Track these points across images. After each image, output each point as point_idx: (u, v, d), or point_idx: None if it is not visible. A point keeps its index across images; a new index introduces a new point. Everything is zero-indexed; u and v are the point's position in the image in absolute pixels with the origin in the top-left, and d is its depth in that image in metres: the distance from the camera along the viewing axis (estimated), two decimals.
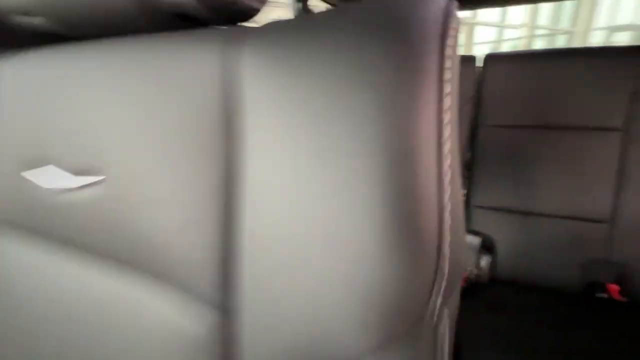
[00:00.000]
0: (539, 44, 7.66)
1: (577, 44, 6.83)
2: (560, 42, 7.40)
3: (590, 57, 0.85)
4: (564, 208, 0.86)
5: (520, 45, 7.32)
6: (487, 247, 0.88)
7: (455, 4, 0.21)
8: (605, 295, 0.81)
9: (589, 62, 0.84)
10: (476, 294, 0.84)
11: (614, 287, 0.81)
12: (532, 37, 7.32)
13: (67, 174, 0.28)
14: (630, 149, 0.82)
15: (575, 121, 0.85)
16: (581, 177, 0.85)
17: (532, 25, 7.34)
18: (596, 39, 6.78)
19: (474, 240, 0.89)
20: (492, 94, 0.92)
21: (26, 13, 0.28)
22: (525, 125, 0.89)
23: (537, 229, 0.88)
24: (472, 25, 7.35)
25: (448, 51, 0.20)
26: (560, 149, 0.87)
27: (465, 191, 0.97)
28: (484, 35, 7.69)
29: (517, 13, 7.02)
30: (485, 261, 0.88)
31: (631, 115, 0.81)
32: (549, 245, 0.87)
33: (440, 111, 0.20)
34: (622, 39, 6.66)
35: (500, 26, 7.74)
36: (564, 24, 7.38)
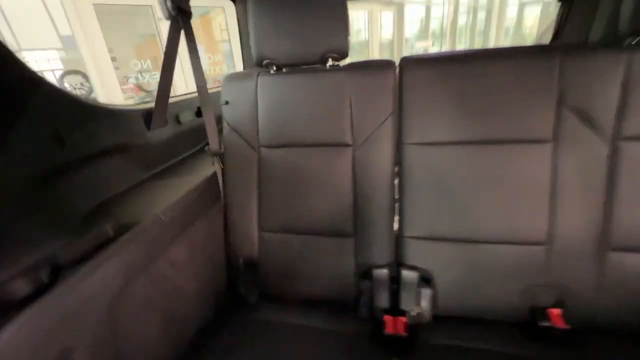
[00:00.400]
0: (463, 19, 8.14)
1: (494, 18, 7.43)
2: (481, 17, 7.98)
3: (515, 58, 0.75)
4: (500, 232, 0.78)
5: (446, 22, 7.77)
6: (425, 281, 0.83)
7: None
8: (547, 324, 0.75)
9: (514, 63, 0.74)
10: (418, 339, 0.79)
11: (555, 312, 0.76)
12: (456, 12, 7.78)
13: None
14: (559, 162, 0.73)
15: (503, 134, 0.75)
16: (515, 196, 0.76)
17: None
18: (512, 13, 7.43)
19: (411, 276, 0.83)
20: (412, 106, 0.79)
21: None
22: (451, 141, 0.78)
23: (475, 257, 0.80)
24: (402, 5, 7.55)
25: None
26: (490, 166, 0.76)
27: (396, 220, 0.86)
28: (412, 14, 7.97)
29: None
30: (425, 298, 0.82)
31: (558, 123, 0.73)
32: (489, 274, 0.80)
33: None
34: (534, 10, 7.39)
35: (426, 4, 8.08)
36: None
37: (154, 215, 0.69)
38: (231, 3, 1.31)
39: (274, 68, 0.87)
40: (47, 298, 0.47)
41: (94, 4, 3.79)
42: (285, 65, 0.86)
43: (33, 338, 0.44)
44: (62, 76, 4.08)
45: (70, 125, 0.68)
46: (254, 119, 0.88)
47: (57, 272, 0.54)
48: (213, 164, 0.93)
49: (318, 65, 0.84)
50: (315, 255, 0.88)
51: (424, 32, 8.52)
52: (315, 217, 0.86)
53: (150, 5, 4.27)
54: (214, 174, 0.91)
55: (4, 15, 4.09)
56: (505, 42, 7.29)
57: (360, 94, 0.82)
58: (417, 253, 0.83)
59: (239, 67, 1.44)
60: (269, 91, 0.87)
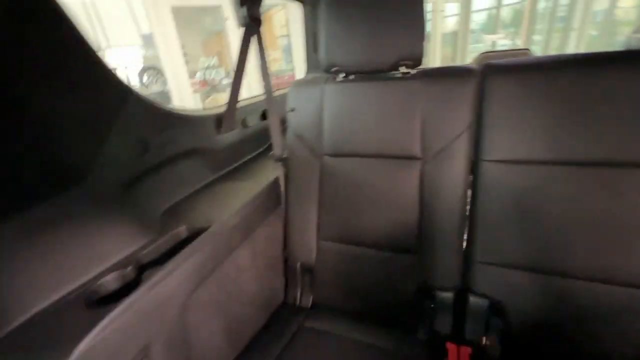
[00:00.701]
0: (541, 4, 7.14)
1: (580, 1, 6.41)
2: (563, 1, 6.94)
3: (627, 63, 0.63)
4: (594, 269, 0.67)
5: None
6: (495, 311, 0.75)
7: None
8: None
9: (627, 70, 0.63)
10: None
11: None
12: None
13: None
14: None
15: (610, 155, 0.64)
16: (622, 232, 0.64)
17: None
18: None
19: (479, 303, 0.76)
20: (494, 118, 0.71)
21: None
22: (542, 160, 0.68)
23: (558, 293, 0.70)
24: None
25: None
26: (590, 192, 0.66)
27: (464, 242, 0.79)
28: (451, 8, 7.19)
29: None
30: (495, 330, 0.74)
31: None
32: (574, 313, 0.69)
33: None
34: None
35: None
36: None
37: (222, 219, 0.72)
38: (293, 2, 1.31)
39: (342, 75, 0.84)
40: (133, 296, 0.51)
41: (172, 6, 4.13)
42: (354, 72, 0.83)
43: (118, 335, 0.48)
44: (142, 71, 4.54)
45: (153, 131, 0.73)
46: (319, 126, 0.87)
47: (141, 271, 0.59)
48: (276, 169, 0.94)
49: (389, 73, 0.79)
50: (373, 269, 0.85)
51: (492, 23, 7.71)
52: (377, 230, 0.84)
53: (220, 6, 4.53)
54: (276, 179, 0.93)
55: (97, 15, 4.64)
56: (593, 30, 6.26)
57: (434, 104, 0.76)
58: (487, 279, 0.76)
59: (297, 62, 1.45)
60: (335, 99, 0.85)
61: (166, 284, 0.57)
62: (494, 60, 0.75)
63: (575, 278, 0.69)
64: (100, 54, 0.53)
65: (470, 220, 0.77)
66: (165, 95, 4.52)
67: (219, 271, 0.71)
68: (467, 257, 0.78)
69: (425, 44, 0.73)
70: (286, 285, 0.98)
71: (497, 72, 0.72)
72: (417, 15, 0.72)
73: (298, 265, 0.92)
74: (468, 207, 0.78)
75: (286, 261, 0.96)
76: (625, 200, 0.64)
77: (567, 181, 0.67)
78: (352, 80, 0.84)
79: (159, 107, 0.74)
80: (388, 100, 0.80)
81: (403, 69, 0.78)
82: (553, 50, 7.04)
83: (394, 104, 0.79)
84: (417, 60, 0.75)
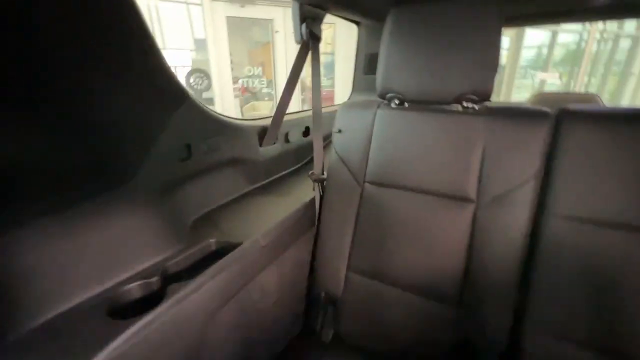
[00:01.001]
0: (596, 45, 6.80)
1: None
2: (623, 45, 6.59)
3: None
4: None
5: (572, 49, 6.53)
6: None
7: None
8: None
9: None
10: None
11: None
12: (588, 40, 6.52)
13: None
14: None
15: None
16: None
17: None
18: None
19: None
20: (569, 169, 0.64)
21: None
22: (620, 223, 0.60)
23: None
24: (522, 30, 6.76)
25: None
26: None
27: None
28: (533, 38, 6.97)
29: None
30: None
31: None
32: None
33: None
34: None
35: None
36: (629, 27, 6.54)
37: (253, 237, 0.69)
38: (342, 20, 1.30)
39: (397, 101, 0.80)
40: (157, 311, 0.48)
41: (226, 16, 4.36)
42: (412, 101, 0.78)
43: (137, 350, 0.45)
44: (190, 73, 4.78)
45: (199, 137, 0.72)
46: (365, 151, 0.83)
47: (166, 282, 0.56)
48: (314, 189, 0.91)
49: (449, 105, 0.74)
50: (405, 314, 0.78)
51: (541, 60, 7.41)
52: (413, 272, 0.76)
53: (272, 19, 4.73)
54: (312, 200, 0.89)
55: (158, 18, 4.98)
56: None
57: (498, 145, 0.69)
58: (537, 347, 0.66)
59: (338, 80, 1.43)
60: (387, 125, 0.81)
61: (190, 301, 0.54)
62: (570, 105, 0.68)
63: None
64: None
65: (525, 277, 0.68)
66: (207, 97, 4.72)
67: (244, 291, 0.67)
68: (518, 318, 0.69)
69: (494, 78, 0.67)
70: (306, 313, 0.92)
71: (574, 118, 0.65)
72: (493, 45, 0.65)
73: (323, 294, 0.87)
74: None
75: (310, 287, 0.91)
76: None
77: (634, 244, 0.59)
78: (407, 109, 0.79)
79: (209, 113, 0.73)
80: (445, 134, 0.74)
81: (466, 103, 0.72)
82: (607, 94, 6.66)
83: (452, 139, 0.73)
84: (485, 96, 0.69)
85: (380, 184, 0.81)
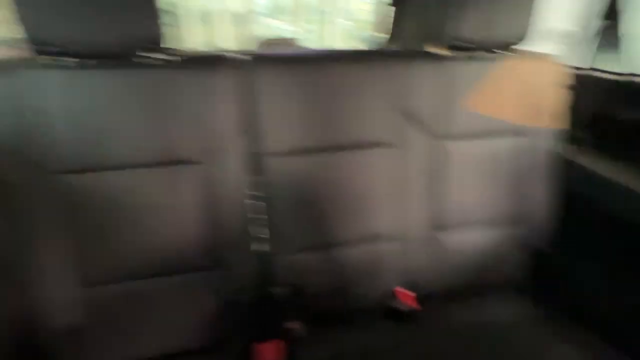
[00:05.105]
0: None
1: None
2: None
3: (357, 61, 0.80)
4: (359, 232, 0.85)
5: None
6: (296, 296, 0.82)
7: None
8: (399, 306, 0.85)
9: (357, 67, 0.79)
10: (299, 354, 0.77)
11: (405, 293, 0.87)
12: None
13: None
14: (404, 163, 0.83)
15: (349, 139, 0.80)
16: (365, 197, 0.82)
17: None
18: None
19: (280, 293, 0.81)
20: (271, 111, 0.74)
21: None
22: (307, 148, 0.78)
23: (338, 260, 0.85)
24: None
25: None
26: (339, 171, 0.81)
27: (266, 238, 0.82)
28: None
29: None
30: (299, 313, 0.81)
31: (399, 127, 0.81)
32: (351, 273, 0.86)
33: None
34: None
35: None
36: None
37: None
38: None
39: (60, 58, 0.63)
40: None
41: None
42: (80, 56, 0.63)
43: None
44: None
45: None
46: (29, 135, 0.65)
47: None
48: None
49: (127, 59, 0.65)
50: (158, 304, 0.75)
51: (275, 9, 8.15)
52: (152, 254, 0.73)
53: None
54: None
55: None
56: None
57: (195, 98, 0.68)
58: (285, 269, 0.82)
59: None
60: (56, 93, 0.63)
61: None
62: (262, 51, 0.56)
63: (343, 245, 0.84)
64: None
65: (267, 215, 0.78)
66: None
67: None
68: (263, 253, 0.79)
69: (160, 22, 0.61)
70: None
71: (268, 63, 0.74)
72: None
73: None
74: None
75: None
76: (363, 173, 0.82)
77: (325, 165, 0.79)
78: (83, 67, 0.63)
79: None
80: (134, 95, 0.66)
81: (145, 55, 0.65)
82: (324, 39, 8.23)
83: (136, 97, 0.66)
84: (155, 42, 0.64)
85: (78, 172, 0.66)
